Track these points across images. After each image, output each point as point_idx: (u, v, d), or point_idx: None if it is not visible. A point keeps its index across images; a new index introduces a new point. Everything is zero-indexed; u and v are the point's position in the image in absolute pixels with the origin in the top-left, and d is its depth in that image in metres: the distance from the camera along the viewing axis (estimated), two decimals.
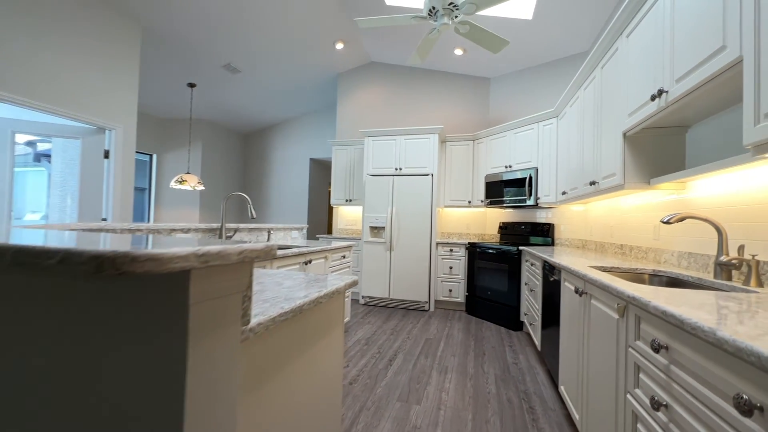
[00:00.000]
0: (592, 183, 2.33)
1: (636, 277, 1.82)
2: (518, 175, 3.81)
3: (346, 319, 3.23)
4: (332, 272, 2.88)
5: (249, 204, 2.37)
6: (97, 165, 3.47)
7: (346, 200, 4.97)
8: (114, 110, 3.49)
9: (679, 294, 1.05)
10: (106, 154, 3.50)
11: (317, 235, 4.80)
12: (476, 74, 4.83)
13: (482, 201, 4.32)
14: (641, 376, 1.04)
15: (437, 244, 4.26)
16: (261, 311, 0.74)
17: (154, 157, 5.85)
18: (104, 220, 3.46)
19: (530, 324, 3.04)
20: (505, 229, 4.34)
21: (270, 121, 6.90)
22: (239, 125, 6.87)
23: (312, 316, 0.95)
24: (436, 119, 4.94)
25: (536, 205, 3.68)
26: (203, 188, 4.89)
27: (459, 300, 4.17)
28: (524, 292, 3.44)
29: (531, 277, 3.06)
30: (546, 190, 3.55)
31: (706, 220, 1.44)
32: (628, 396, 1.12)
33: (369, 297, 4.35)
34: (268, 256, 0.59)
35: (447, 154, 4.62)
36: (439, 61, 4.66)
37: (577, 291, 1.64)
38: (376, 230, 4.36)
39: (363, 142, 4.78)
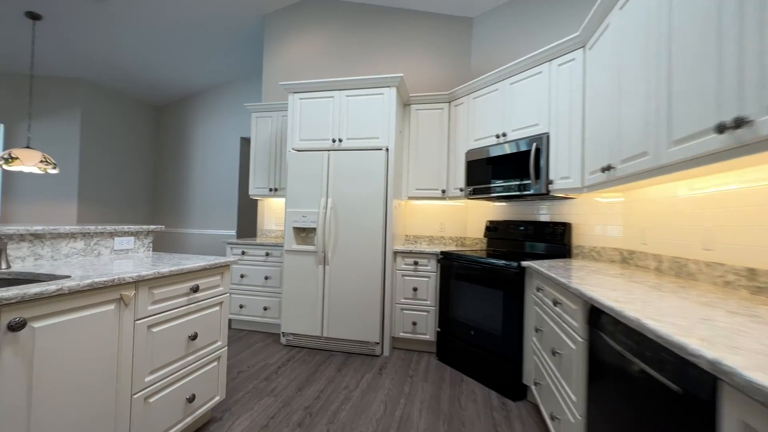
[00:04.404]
0: (721, 129, 0.95)
1: None
2: (517, 148, 2.44)
3: (217, 399, 1.76)
4: (156, 329, 1.40)
5: None
6: None
7: (270, 189, 3.48)
8: None
9: None
10: None
11: (228, 242, 3.29)
12: (452, 12, 3.43)
13: (462, 190, 2.94)
14: None
15: (395, 253, 2.85)
16: None
17: (1, 128, 4.13)
18: None
19: (551, 416, 1.67)
20: (495, 230, 2.97)
21: (187, 89, 5.28)
22: (145, 93, 5.21)
23: None
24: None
25: (547, 194, 2.31)
26: (56, 172, 3.30)
27: (427, 338, 2.78)
28: (530, 338, 2.08)
29: (549, 322, 1.69)
30: (563, 169, 2.19)
31: None
32: None
33: (293, 335, 2.89)
34: None
35: (412, 122, 3.21)
36: None
37: None
38: (303, 233, 2.90)
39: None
